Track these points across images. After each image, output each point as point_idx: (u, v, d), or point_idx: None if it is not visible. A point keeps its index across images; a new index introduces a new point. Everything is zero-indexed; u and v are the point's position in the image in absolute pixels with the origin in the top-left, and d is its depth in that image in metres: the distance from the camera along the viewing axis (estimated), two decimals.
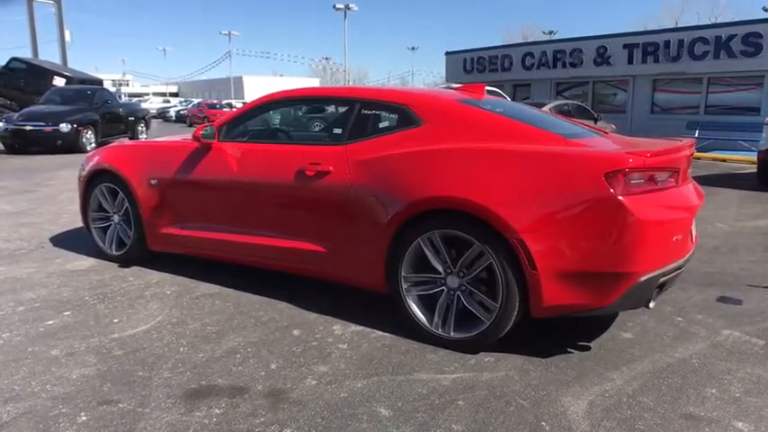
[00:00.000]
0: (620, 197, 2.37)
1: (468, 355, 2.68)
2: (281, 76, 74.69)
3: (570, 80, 19.88)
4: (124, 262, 4.08)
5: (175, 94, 68.58)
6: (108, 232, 4.18)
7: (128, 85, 77.96)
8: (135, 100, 29.33)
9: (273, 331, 2.95)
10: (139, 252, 4.01)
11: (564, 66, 19.69)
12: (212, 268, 3.85)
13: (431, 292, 2.80)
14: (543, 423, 2.13)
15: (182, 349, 2.73)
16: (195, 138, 3.54)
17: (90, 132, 12.98)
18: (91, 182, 4.18)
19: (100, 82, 19.20)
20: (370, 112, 3.12)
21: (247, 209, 3.42)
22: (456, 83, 19.49)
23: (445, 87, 7.42)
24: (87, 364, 2.57)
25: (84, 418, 2.14)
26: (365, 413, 2.19)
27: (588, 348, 2.82)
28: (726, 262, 4.40)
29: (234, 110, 4.27)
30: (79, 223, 4.60)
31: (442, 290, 2.77)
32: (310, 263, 3.21)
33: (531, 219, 2.48)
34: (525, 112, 3.42)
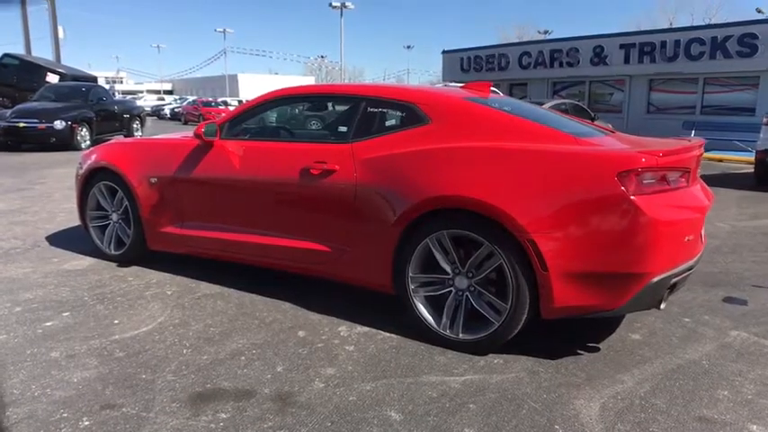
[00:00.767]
0: (632, 197, 2.34)
1: (477, 357, 2.65)
2: (277, 74, 74.49)
3: (567, 79, 19.91)
4: (123, 261, 4.02)
5: (170, 92, 68.27)
6: (107, 231, 4.11)
7: (122, 82, 77.47)
8: (129, 97, 29.14)
9: (278, 333, 2.90)
10: (139, 251, 3.95)
11: (561, 65, 19.72)
12: (213, 268, 3.80)
13: (439, 292, 2.77)
14: (557, 426, 2.10)
15: (185, 351, 2.68)
16: (197, 135, 3.48)
17: (84, 130, 12.85)
18: (89, 180, 4.12)
19: (94, 79, 19.05)
20: (376, 110, 3.07)
21: (250, 208, 3.37)
22: (452, 82, 19.51)
23: (443, 87, 7.37)
24: (88, 367, 2.52)
25: (87, 423, 2.08)
26: (375, 417, 2.14)
27: (597, 350, 2.79)
28: (729, 262, 4.39)
29: (235, 107, 4.11)
30: (76, 222, 4.53)
31: (451, 291, 2.73)
32: (315, 263, 3.16)
33: (542, 219, 2.44)
34: (532, 110, 3.38)
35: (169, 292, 3.49)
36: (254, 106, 3.55)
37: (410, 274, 2.79)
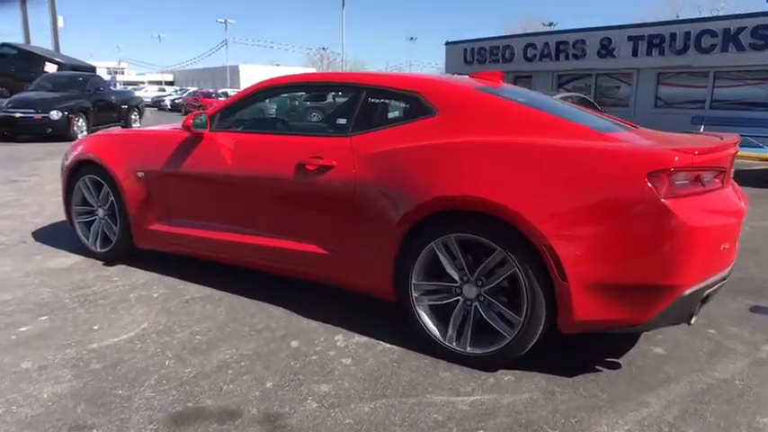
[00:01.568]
0: (663, 200, 2.09)
1: (486, 374, 2.42)
2: (278, 65, 73.96)
3: (573, 72, 19.54)
4: (109, 260, 3.79)
5: (171, 83, 67.94)
6: (92, 227, 3.88)
7: (123, 72, 77.07)
8: (130, 88, 28.84)
9: (269, 342, 2.68)
10: (125, 249, 3.72)
11: (567, 57, 19.34)
12: (204, 268, 3.57)
13: (445, 302, 2.53)
14: None
15: (167, 363, 2.45)
16: (185, 127, 3.23)
17: (81, 120, 12.61)
18: (74, 173, 3.88)
19: (93, 69, 18.78)
20: (377, 101, 2.82)
21: (242, 205, 3.13)
22: (456, 74, 19.19)
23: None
24: (61, 380, 2.30)
25: None
26: None
27: (617, 366, 2.55)
28: (752, 266, 4.14)
29: (228, 97, 3.83)
30: (64, 216, 4.30)
31: (458, 300, 2.49)
32: (310, 265, 2.92)
33: (563, 223, 2.20)
34: (548, 102, 3.13)
35: (155, 295, 3.26)
36: (248, 96, 3.30)
37: (413, 281, 2.56)
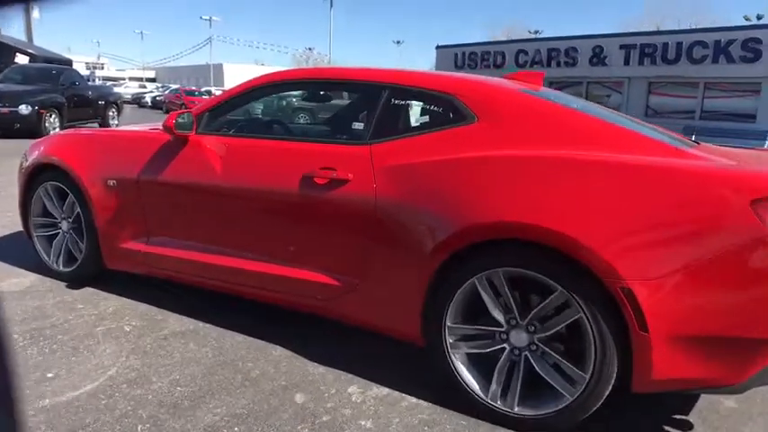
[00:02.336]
0: None
1: None
2: (263, 65, 72.98)
3: (564, 80, 19.32)
4: (74, 281, 3.24)
5: (153, 80, 66.49)
6: (54, 243, 3.32)
7: (103, 68, 75.17)
8: (109, 84, 27.87)
9: (268, 396, 2.18)
10: (94, 270, 3.18)
11: (558, 65, 19.15)
12: (188, 295, 3.05)
13: (487, 350, 2.07)
14: None
15: (140, 428, 1.94)
16: (166, 128, 2.71)
17: (54, 116, 11.85)
18: (34, 178, 3.33)
19: (69, 62, 17.90)
20: (402, 103, 2.36)
21: (235, 223, 2.63)
22: None
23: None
24: None
25: None
26: None
27: (689, 426, 2.12)
28: None
29: (217, 94, 3.24)
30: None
31: (503, 348, 2.03)
32: (318, 299, 2.44)
33: (644, 261, 1.76)
34: (601, 110, 2.70)
35: (128, 328, 2.73)
36: (244, 93, 2.79)
37: (448, 323, 2.09)
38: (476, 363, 2.10)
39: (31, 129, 11.14)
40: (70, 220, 3.22)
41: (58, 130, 11.61)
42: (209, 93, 28.17)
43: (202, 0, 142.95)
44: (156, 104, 30.85)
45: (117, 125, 13.72)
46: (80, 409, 2.03)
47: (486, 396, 2.05)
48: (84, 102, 13.62)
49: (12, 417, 0.76)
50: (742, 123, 14.88)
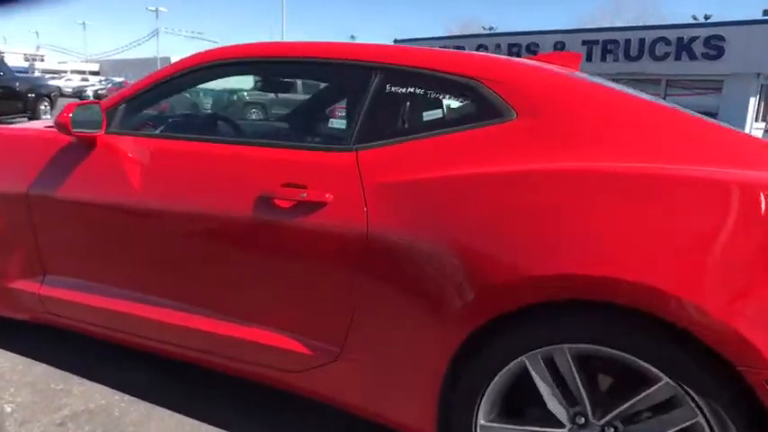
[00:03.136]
0: None
1: None
2: None
3: None
4: None
5: (96, 73, 63.17)
6: None
7: (43, 60, 70.74)
8: (48, 76, 25.86)
9: None
10: None
11: None
12: (102, 350, 2.24)
13: None
14: None
15: None
16: (60, 126, 1.89)
17: None
18: None
19: None
20: (403, 92, 1.64)
21: (162, 262, 1.87)
22: None
23: None
24: None
25: None
26: None
27: None
28: None
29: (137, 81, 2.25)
30: None
31: None
32: (287, 371, 1.70)
33: None
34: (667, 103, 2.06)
35: (9, 409, 1.91)
36: (172, 77, 1.99)
37: (481, 421, 1.40)
38: None
39: None
40: None
41: None
42: None
43: None
44: (98, 98, 28.78)
45: (48, 119, 12.40)
46: None
47: None
48: (11, 94, 12.24)
49: None
50: None
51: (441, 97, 1.63)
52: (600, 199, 1.30)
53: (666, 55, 15.50)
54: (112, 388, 2.06)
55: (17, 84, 12.75)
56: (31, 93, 13.14)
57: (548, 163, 1.40)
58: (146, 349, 2.01)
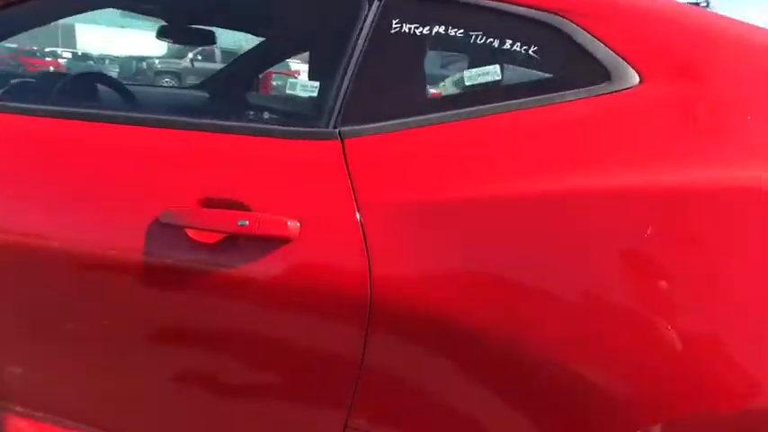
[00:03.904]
0: None
1: None
2: (123, 27, 64.08)
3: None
4: None
5: None
6: None
7: None
8: None
9: None
10: None
11: None
12: None
13: None
14: None
15: None
16: None
17: None
18: None
19: None
20: (423, 33, 0.91)
21: (13, 327, 1.04)
22: None
23: None
24: None
25: None
26: None
27: None
28: None
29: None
30: None
31: None
32: None
33: None
34: None
35: None
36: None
37: None
38: None
39: None
40: None
41: None
42: (54, 54, 23.64)
43: None
44: None
45: None
46: None
47: None
48: None
49: None
50: None
51: (494, 45, 0.91)
52: None
53: None
54: None
55: None
56: None
57: (722, 176, 0.74)
58: None
